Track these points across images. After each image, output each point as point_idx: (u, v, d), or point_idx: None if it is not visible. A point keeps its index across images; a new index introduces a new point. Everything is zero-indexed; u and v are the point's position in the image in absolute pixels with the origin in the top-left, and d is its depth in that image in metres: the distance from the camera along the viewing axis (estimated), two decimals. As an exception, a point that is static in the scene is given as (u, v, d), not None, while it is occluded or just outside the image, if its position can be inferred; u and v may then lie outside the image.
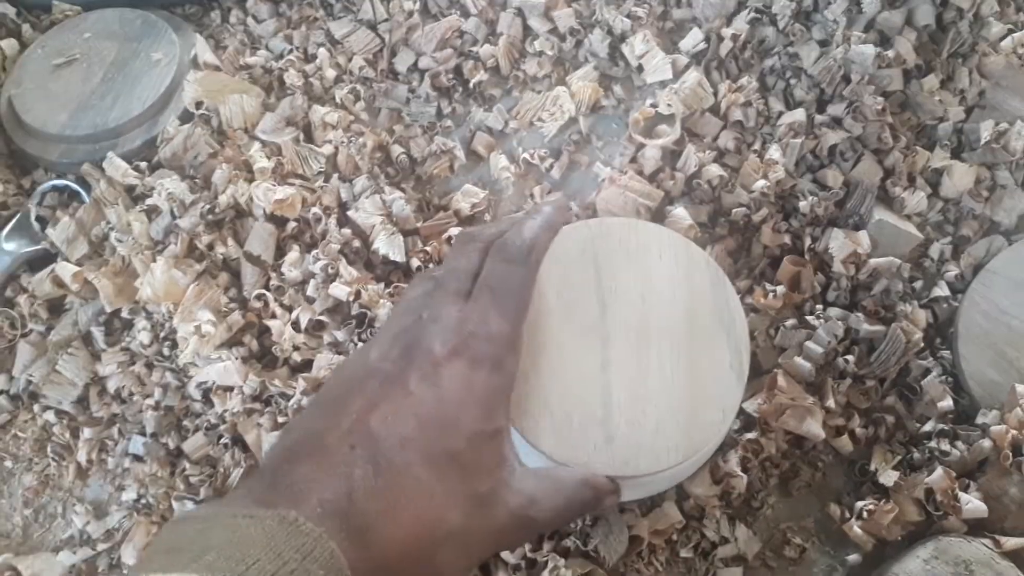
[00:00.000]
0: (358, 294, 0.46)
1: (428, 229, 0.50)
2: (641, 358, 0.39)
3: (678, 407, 0.38)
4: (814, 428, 0.43)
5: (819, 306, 0.47)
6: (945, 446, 0.42)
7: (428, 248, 0.49)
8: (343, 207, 0.50)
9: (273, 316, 0.46)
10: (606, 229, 0.42)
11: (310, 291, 0.47)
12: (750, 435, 0.44)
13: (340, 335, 0.46)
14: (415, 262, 0.48)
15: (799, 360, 0.45)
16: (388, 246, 0.48)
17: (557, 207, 0.41)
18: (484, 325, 0.33)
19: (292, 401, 0.43)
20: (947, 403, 0.44)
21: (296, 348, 0.45)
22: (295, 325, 0.46)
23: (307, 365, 0.46)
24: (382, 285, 0.48)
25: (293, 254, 0.48)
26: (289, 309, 0.47)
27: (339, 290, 0.46)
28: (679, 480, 0.43)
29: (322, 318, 0.46)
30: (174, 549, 0.27)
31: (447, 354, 0.32)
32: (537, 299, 0.40)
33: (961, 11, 0.50)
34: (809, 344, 0.45)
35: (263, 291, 0.47)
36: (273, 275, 0.48)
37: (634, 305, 0.40)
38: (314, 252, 0.47)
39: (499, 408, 0.34)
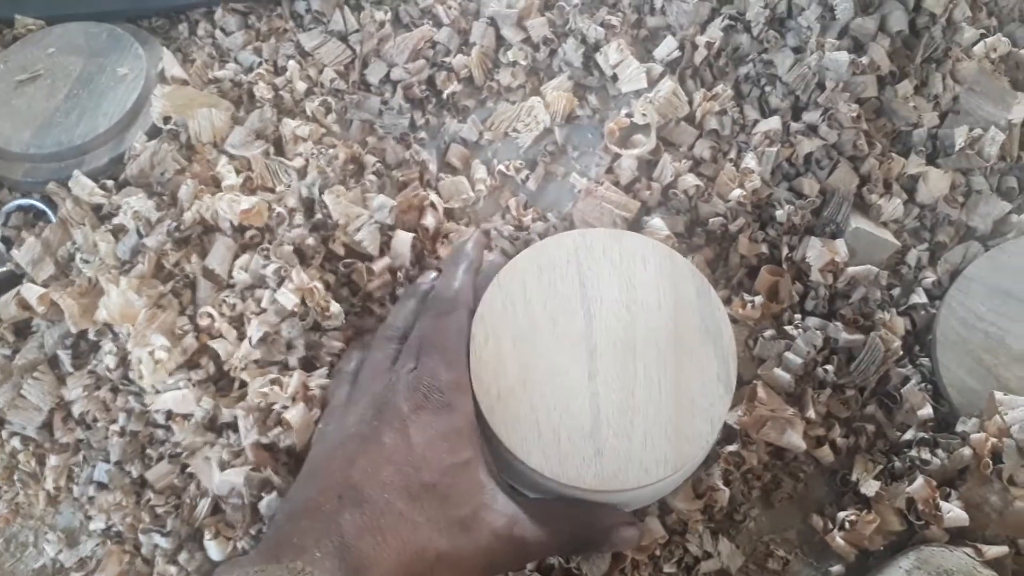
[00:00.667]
0: (304, 300, 0.45)
1: (404, 202, 0.49)
2: (627, 370, 0.39)
3: (666, 419, 0.38)
4: (795, 439, 0.43)
5: (797, 316, 0.47)
6: (926, 455, 0.42)
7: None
8: (308, 206, 0.49)
9: (220, 335, 0.45)
10: (590, 240, 0.42)
11: (264, 302, 0.45)
12: (731, 448, 0.43)
13: (286, 330, 0.44)
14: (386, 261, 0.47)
15: (778, 371, 0.44)
16: (370, 239, 0.47)
17: (475, 243, 0.44)
18: (434, 377, 0.38)
19: (246, 438, 0.42)
20: (927, 411, 0.43)
21: (243, 368, 0.44)
22: (248, 339, 0.45)
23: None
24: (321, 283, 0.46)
25: (243, 257, 0.46)
26: (239, 322, 0.45)
27: (286, 298, 0.44)
28: (668, 492, 0.42)
29: (278, 328, 0.45)
30: None
31: (411, 410, 0.38)
32: (524, 311, 0.40)
33: (934, 16, 0.50)
34: (788, 355, 0.44)
35: (209, 309, 0.45)
36: (227, 290, 0.46)
37: (620, 316, 0.40)
38: (262, 251, 0.45)
39: (464, 442, 0.38)
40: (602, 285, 0.41)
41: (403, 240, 0.47)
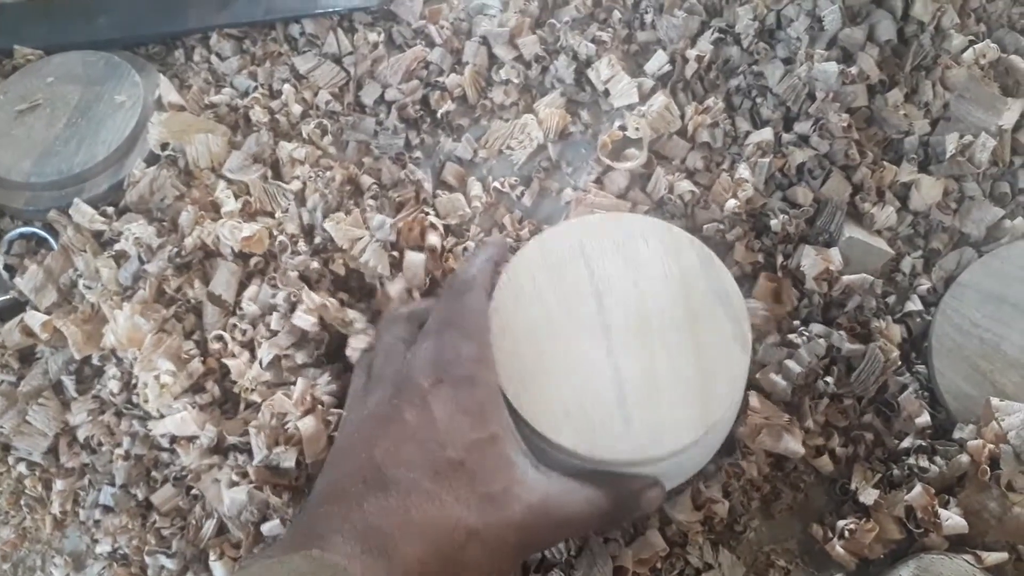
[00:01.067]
0: (322, 319, 0.45)
1: (405, 224, 0.49)
2: (645, 341, 0.40)
3: (688, 384, 0.39)
4: (792, 445, 0.43)
5: (796, 322, 0.47)
6: (924, 462, 0.42)
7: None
8: (308, 232, 0.50)
9: (232, 355, 0.46)
10: (590, 225, 0.43)
11: (273, 324, 0.46)
12: (730, 459, 0.44)
13: (300, 357, 0.45)
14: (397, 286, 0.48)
15: (775, 377, 0.45)
16: (376, 258, 0.47)
17: (497, 243, 0.44)
18: (454, 351, 0.38)
19: (257, 459, 0.43)
20: (925, 419, 0.44)
21: (253, 389, 0.44)
22: (259, 361, 0.45)
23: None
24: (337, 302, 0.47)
25: (252, 288, 0.47)
26: (250, 346, 0.46)
27: (302, 319, 0.45)
28: (698, 466, 0.43)
29: (288, 352, 0.46)
30: None
31: (431, 384, 0.37)
32: (535, 300, 0.41)
33: (922, 24, 0.51)
34: (788, 363, 0.45)
35: (221, 332, 0.46)
36: (235, 316, 0.47)
37: (629, 292, 0.41)
38: (270, 281, 0.46)
39: (489, 416, 0.37)
40: (608, 266, 0.42)
41: (415, 261, 0.48)
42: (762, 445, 0.43)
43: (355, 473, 0.35)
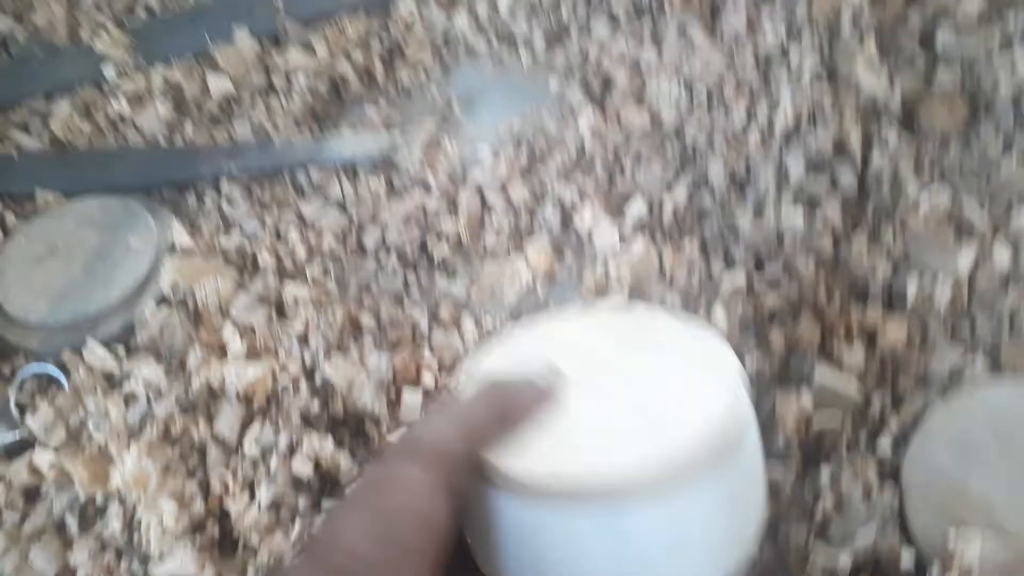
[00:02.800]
0: (317, 464, 0.47)
1: (401, 362, 0.52)
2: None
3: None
4: None
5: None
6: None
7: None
8: (309, 372, 0.52)
9: (233, 497, 0.48)
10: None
11: (273, 466, 0.48)
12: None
13: (299, 500, 0.47)
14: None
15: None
16: (373, 398, 0.50)
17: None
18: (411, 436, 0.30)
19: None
20: (907, 560, 0.44)
21: (252, 531, 0.46)
22: (258, 503, 0.47)
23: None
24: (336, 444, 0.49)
25: (254, 428, 0.49)
26: (251, 487, 0.48)
27: (300, 466, 0.47)
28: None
29: (287, 494, 0.47)
30: None
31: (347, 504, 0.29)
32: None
33: (880, 173, 0.55)
34: None
35: (223, 472, 0.48)
36: (237, 455, 0.49)
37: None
38: (272, 422, 0.49)
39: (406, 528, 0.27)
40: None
41: (413, 401, 0.50)
42: None
43: None
